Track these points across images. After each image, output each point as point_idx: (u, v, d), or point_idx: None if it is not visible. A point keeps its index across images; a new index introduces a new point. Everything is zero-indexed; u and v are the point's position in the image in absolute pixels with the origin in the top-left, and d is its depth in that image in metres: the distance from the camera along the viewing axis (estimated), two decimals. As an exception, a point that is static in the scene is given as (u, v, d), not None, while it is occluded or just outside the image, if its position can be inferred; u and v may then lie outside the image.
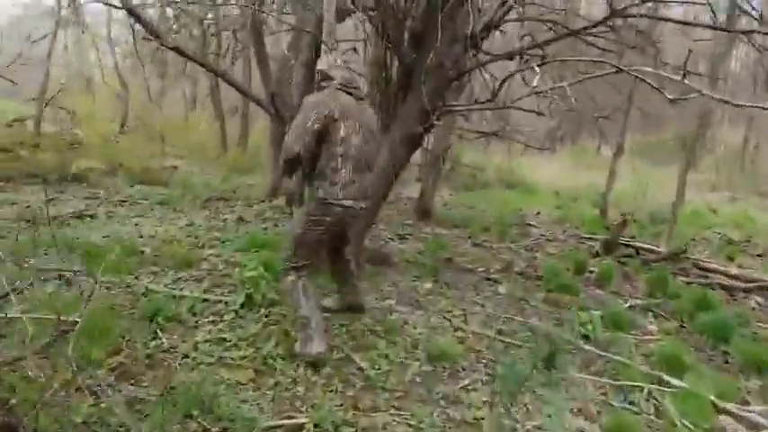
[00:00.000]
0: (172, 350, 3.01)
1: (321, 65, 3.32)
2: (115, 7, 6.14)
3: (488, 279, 5.32)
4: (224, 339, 3.18)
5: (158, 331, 3.18)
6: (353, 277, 3.67)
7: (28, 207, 6.26)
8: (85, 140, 10.55)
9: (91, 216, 6.12)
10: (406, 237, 6.84)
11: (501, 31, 5.95)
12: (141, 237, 5.44)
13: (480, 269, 5.69)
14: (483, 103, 4.62)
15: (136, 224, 5.97)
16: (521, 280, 5.41)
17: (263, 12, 7.37)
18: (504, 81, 4.04)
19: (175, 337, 3.16)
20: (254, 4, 6.56)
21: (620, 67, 3.55)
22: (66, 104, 14.02)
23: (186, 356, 2.94)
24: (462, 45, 4.59)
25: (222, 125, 13.43)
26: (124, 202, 7.13)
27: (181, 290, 3.96)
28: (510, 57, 4.60)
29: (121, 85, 14.78)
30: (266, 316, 3.60)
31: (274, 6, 7.67)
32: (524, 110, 4.41)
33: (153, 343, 3.05)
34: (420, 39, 4.54)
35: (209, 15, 9.36)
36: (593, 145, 25.10)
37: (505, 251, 6.74)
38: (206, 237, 5.61)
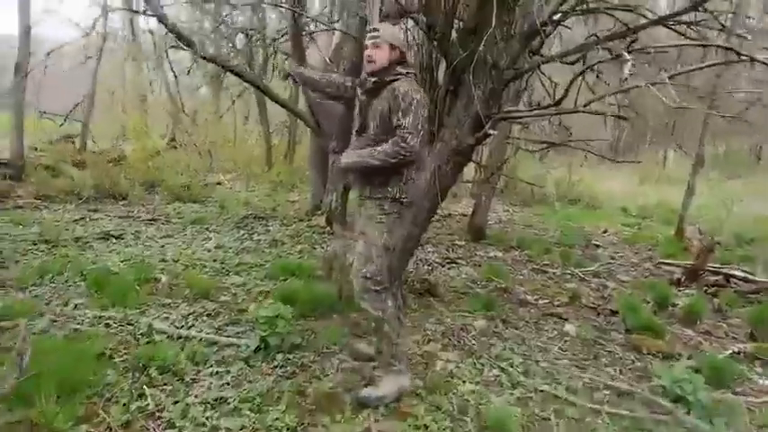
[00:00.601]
0: (157, 414, 2.43)
1: (395, 39, 2.75)
2: (145, 14, 5.78)
3: (552, 315, 4.52)
4: (223, 400, 2.57)
5: (146, 387, 2.61)
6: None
7: (56, 226, 5.96)
8: (132, 156, 10.40)
9: (117, 237, 5.74)
10: (457, 261, 6.11)
11: (566, 26, 5.20)
12: (164, 260, 4.98)
13: (542, 301, 4.89)
14: (546, 107, 3.88)
15: (162, 246, 5.53)
16: (591, 316, 4.58)
17: (305, 15, 6.82)
18: (578, 76, 3.31)
19: (166, 395, 2.58)
20: (295, 10, 6.05)
21: (743, 53, 2.74)
22: (118, 121, 14.15)
23: (172, 425, 2.34)
24: (521, 42, 3.89)
25: (268, 139, 13.12)
26: (156, 221, 6.76)
27: (189, 328, 3.41)
28: (583, 51, 3.84)
29: (172, 101, 14.77)
30: (282, 366, 2.98)
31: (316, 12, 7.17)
32: (600, 113, 3.63)
33: (136, 404, 2.47)
34: (471, 35, 3.86)
35: (248, 24, 9.00)
36: (657, 156, 23.57)
37: (570, 278, 5.90)
38: (233, 261, 5.09)
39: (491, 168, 7.61)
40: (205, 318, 3.63)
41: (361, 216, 2.79)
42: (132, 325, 3.38)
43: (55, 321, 3.35)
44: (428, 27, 3.98)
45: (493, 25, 3.48)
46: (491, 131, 3.75)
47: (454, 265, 5.95)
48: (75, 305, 3.63)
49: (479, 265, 5.95)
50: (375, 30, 2.76)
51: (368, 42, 2.73)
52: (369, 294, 2.67)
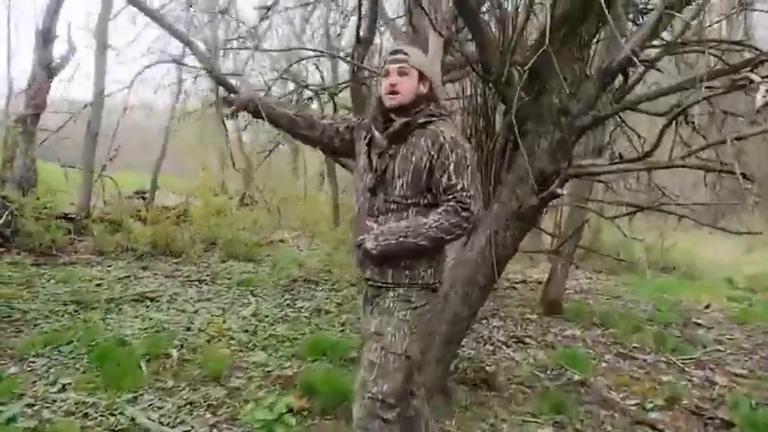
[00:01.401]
0: None
1: (426, 67, 2.11)
2: (199, 68, 5.63)
3: (644, 423, 3.53)
4: None
5: None
6: None
7: (98, 285, 5.72)
8: (195, 213, 10.36)
9: (152, 299, 5.36)
10: (525, 340, 5.21)
11: (657, 69, 4.42)
12: (189, 329, 4.49)
13: (631, 401, 3.91)
14: (632, 161, 3.10)
15: (195, 311, 5.08)
16: (696, 429, 3.55)
17: (363, 68, 6.45)
18: (675, 117, 2.54)
19: None
20: (355, 61, 5.67)
21: None
22: (194, 176, 14.46)
23: None
24: (598, 82, 3.19)
25: (335, 196, 12.84)
26: (202, 282, 6.39)
27: (177, 425, 2.81)
28: (683, 89, 3.03)
29: (245, 158, 15.00)
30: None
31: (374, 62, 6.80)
32: (702, 168, 2.81)
33: None
34: (535, 76, 3.19)
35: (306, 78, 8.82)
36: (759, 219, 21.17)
37: (667, 367, 4.82)
38: (264, 333, 4.52)
39: (564, 235, 6.70)
40: (202, 411, 3.02)
41: (376, 311, 2.07)
42: (115, 416, 2.83)
43: (32, 406, 2.87)
44: (482, 66, 3.37)
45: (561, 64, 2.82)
46: (559, 191, 3.01)
47: (521, 345, 5.06)
48: (63, 386, 3.15)
49: (552, 347, 5.02)
50: (401, 52, 2.05)
51: (390, 67, 2.03)
52: (374, 424, 1.92)
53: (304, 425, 2.70)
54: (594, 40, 3.44)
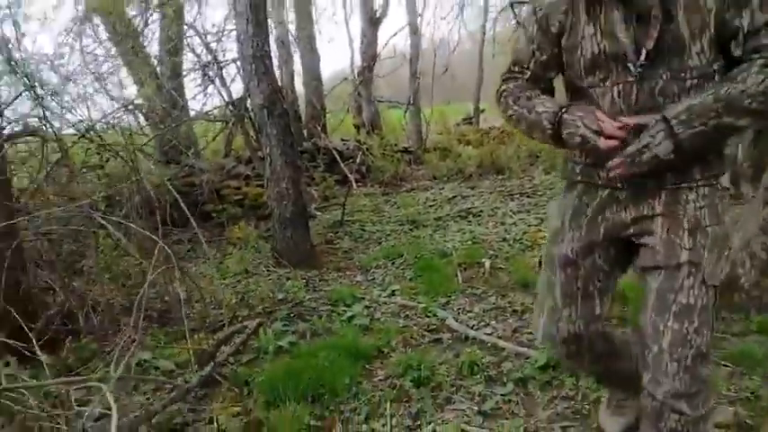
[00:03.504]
0: (389, 441, 2.04)
1: None
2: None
3: None
4: (463, 439, 1.98)
5: (388, 402, 2.25)
6: None
7: (430, 205, 6.35)
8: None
9: (475, 215, 5.65)
10: None
11: None
12: (505, 239, 4.57)
13: None
14: None
15: (513, 223, 5.16)
16: None
17: None
18: None
19: (406, 416, 2.16)
20: None
21: None
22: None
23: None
24: None
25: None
26: (522, 194, 6.45)
27: (481, 328, 2.91)
28: None
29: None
30: (567, 398, 2.16)
31: None
32: None
33: (371, 424, 2.14)
34: None
35: None
36: None
37: None
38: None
39: None
40: (507, 315, 3.05)
41: (666, 225, 1.38)
42: (429, 317, 3.11)
43: (368, 307, 3.38)
44: None
45: None
46: None
47: None
48: (392, 292, 3.60)
49: None
50: None
51: None
52: (696, 388, 1.32)
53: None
54: None
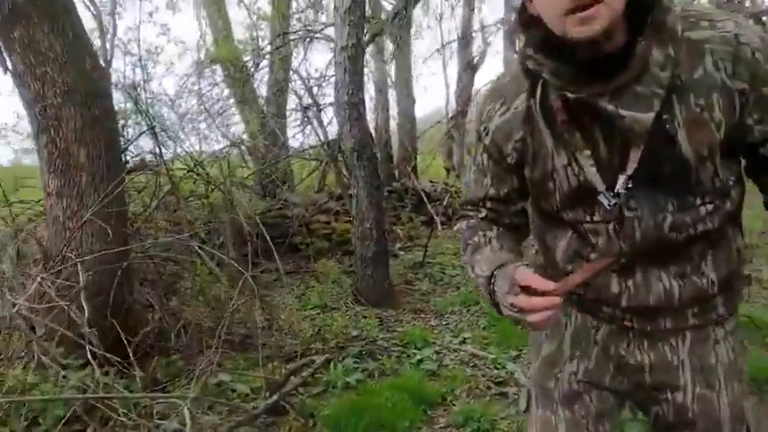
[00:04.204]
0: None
1: None
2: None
3: None
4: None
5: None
6: None
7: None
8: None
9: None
10: None
11: None
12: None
13: None
14: None
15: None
16: None
17: None
18: None
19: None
20: None
21: None
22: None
23: None
24: None
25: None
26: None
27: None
28: None
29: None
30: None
31: None
32: None
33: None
34: None
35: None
36: None
37: None
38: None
39: None
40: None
41: (697, 375, 1.09)
42: (498, 369, 3.09)
43: (438, 353, 3.41)
44: None
45: None
46: None
47: None
48: (464, 339, 3.61)
49: None
50: None
51: None
52: None
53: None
54: None
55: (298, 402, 2.70)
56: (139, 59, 4.77)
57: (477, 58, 10.15)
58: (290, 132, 7.67)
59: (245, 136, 7.30)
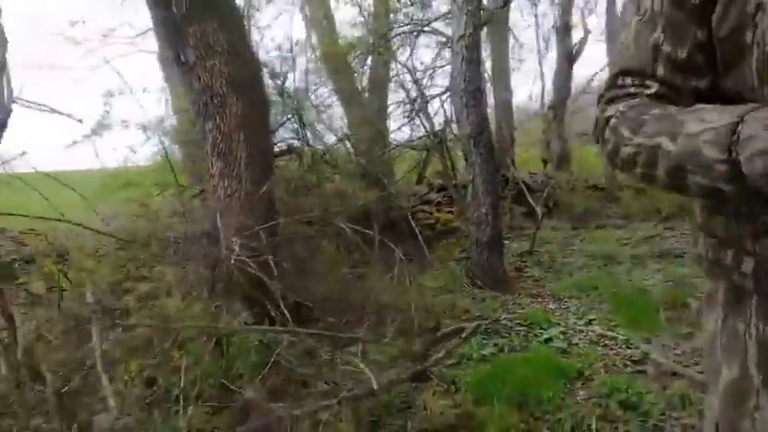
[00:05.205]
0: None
1: None
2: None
3: None
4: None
5: (593, 419, 2.33)
6: None
7: (624, 244, 6.15)
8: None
9: (676, 256, 5.35)
10: None
11: None
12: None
13: None
14: None
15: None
16: None
17: None
18: None
19: (616, 434, 2.22)
20: None
21: None
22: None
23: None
24: None
25: None
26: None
27: (689, 366, 2.82)
28: None
29: None
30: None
31: None
32: None
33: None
34: None
35: None
36: None
37: None
38: None
39: None
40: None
41: None
42: (630, 348, 3.10)
43: (564, 333, 3.46)
44: None
45: None
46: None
47: None
48: (589, 320, 3.63)
49: None
50: None
51: None
52: None
53: None
54: None
55: (437, 372, 2.85)
56: (281, 49, 5.10)
57: (576, 46, 9.91)
58: (394, 125, 7.89)
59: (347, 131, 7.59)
